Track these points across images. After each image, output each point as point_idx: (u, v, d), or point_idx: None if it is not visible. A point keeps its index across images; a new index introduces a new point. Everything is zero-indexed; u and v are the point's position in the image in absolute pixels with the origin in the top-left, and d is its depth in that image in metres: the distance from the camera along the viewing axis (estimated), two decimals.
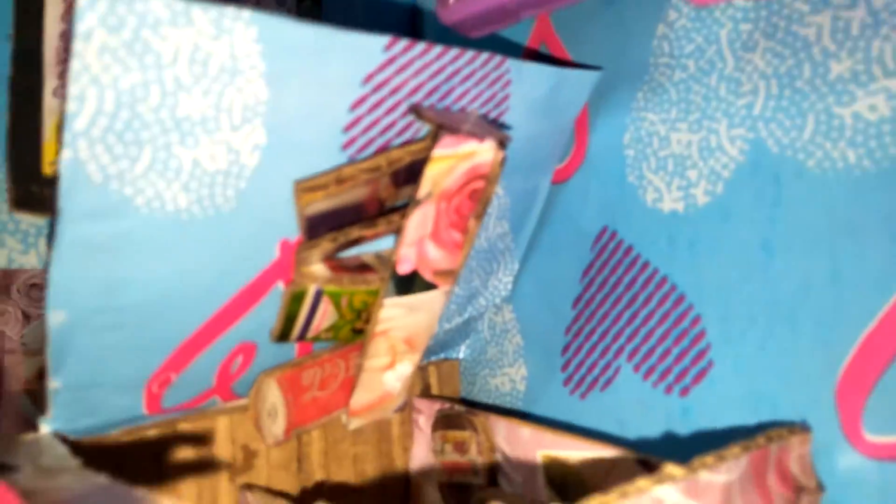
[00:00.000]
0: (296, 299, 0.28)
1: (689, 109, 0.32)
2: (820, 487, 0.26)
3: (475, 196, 0.29)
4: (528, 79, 0.32)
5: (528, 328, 0.39)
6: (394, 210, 0.29)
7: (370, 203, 0.28)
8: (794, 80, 0.28)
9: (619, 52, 0.35)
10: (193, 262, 0.26)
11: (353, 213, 0.28)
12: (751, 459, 0.24)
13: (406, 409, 0.38)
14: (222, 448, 0.32)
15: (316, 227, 0.27)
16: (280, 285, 0.29)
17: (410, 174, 0.28)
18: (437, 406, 0.36)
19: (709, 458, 0.23)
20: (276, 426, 0.31)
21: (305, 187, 0.26)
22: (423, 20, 0.48)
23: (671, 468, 0.22)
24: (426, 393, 0.39)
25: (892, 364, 0.25)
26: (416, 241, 0.28)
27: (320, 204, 0.27)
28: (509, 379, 0.40)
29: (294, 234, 0.28)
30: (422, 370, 0.39)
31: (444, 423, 0.35)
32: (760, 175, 0.29)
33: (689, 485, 0.22)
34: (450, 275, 0.30)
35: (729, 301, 0.30)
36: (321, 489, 0.35)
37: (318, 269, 0.28)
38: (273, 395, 0.31)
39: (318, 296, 0.29)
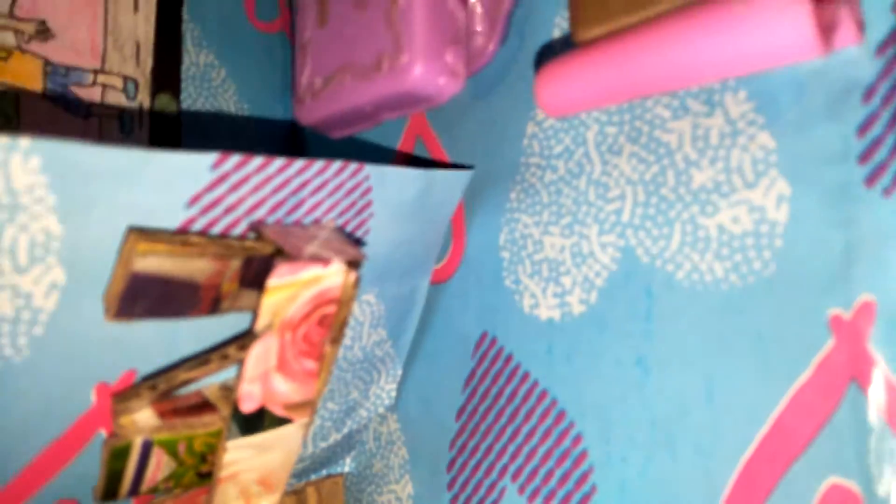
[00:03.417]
0: (118, 456, 0.25)
1: (560, 213, 0.30)
2: None
3: (326, 322, 0.26)
4: (391, 183, 0.30)
5: (413, 440, 0.36)
6: (227, 343, 0.26)
7: (207, 290, 0.24)
8: (660, 187, 0.27)
9: (493, 149, 0.34)
10: None
11: (185, 293, 0.24)
12: None
13: None
14: None
15: (134, 294, 0.22)
16: (102, 433, 0.25)
17: (260, 276, 0.25)
18: None
19: None
20: None
21: (146, 237, 0.22)
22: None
23: None
24: None
25: (773, 493, 0.23)
26: (259, 376, 0.25)
27: (156, 260, 0.22)
28: (395, 497, 0.36)
29: (113, 376, 0.24)
30: (297, 494, 0.35)
31: None
32: (632, 285, 0.28)
33: None
34: (306, 406, 0.27)
35: (608, 420, 0.28)
36: None
37: (143, 417, 0.25)
38: None
39: (147, 447, 0.25)
